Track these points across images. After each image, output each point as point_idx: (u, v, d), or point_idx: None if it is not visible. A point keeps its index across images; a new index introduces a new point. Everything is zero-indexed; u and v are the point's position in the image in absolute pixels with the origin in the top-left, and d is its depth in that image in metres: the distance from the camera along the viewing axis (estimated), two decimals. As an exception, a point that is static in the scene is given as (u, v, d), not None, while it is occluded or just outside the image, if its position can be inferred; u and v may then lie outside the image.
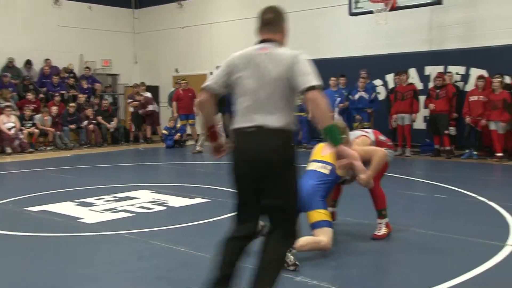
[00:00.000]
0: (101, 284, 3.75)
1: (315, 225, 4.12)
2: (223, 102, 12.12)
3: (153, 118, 15.12)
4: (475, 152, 10.26)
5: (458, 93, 10.78)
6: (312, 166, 4.48)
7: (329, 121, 2.79)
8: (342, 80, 11.96)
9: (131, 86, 16.43)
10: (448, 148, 10.53)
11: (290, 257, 3.78)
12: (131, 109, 15.25)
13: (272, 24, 3.05)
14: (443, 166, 9.70)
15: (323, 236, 4.05)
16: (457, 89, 10.89)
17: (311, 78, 2.82)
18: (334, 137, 2.83)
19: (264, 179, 2.91)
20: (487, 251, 4.20)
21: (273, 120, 2.87)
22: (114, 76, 17.89)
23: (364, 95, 11.48)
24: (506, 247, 4.35)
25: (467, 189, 6.92)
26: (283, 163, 2.89)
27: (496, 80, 9.84)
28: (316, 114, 2.78)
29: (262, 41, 3.03)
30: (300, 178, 4.00)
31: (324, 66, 12.86)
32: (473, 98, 10.23)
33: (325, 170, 4.36)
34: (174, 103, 13.44)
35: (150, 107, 14.97)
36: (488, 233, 4.83)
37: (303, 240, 3.97)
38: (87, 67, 16.12)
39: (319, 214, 4.14)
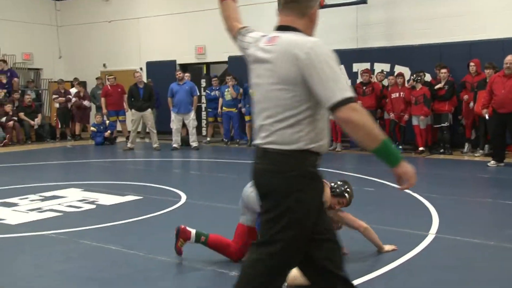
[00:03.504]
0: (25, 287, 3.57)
1: None
2: (151, 96, 11.94)
3: (83, 115, 14.60)
4: (400, 147, 10.71)
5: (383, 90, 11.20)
6: None
7: (377, 140, 2.12)
8: None
9: (55, 82, 15.76)
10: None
11: None
12: (56, 105, 14.63)
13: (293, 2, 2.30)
14: (371, 160, 10.04)
15: None
16: (383, 87, 11.27)
17: (335, 88, 2.10)
18: (392, 155, 2.18)
19: None
20: (412, 240, 4.41)
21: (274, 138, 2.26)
22: (36, 70, 17.06)
23: None
24: (429, 236, 4.58)
25: (394, 182, 7.20)
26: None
27: (416, 76, 10.41)
28: (359, 138, 2.13)
29: (278, 28, 2.34)
30: None
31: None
32: (394, 95, 10.69)
33: None
34: (103, 99, 13.06)
35: (86, 102, 14.47)
36: (413, 223, 5.07)
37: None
38: (3, 60, 15.13)
39: None
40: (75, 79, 15.30)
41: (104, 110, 13.10)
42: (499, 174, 8.07)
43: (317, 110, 2.23)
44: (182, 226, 3.99)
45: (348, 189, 4.03)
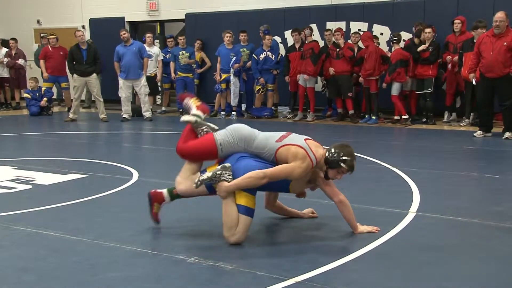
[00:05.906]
0: (-49, 281, 3.50)
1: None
2: (97, 58, 11.68)
3: (20, 78, 14.15)
4: (373, 117, 10.82)
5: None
6: None
7: None
8: (242, 36, 11.91)
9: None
10: (351, 112, 10.99)
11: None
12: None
13: None
14: (346, 131, 10.17)
15: (240, 226, 3.98)
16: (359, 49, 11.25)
17: None
18: None
19: None
20: (390, 220, 4.51)
21: None
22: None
23: (270, 55, 11.61)
24: (408, 214, 4.69)
25: (370, 155, 7.33)
26: None
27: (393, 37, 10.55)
28: None
29: None
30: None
31: (219, 20, 12.87)
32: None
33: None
34: (42, 62, 12.73)
35: (20, 61, 14.02)
36: (391, 200, 5.17)
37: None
38: None
39: (247, 199, 4.01)
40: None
41: (45, 74, 12.80)
42: (486, 146, 8.30)
43: None
44: (152, 191, 4.43)
45: (343, 157, 4.05)
